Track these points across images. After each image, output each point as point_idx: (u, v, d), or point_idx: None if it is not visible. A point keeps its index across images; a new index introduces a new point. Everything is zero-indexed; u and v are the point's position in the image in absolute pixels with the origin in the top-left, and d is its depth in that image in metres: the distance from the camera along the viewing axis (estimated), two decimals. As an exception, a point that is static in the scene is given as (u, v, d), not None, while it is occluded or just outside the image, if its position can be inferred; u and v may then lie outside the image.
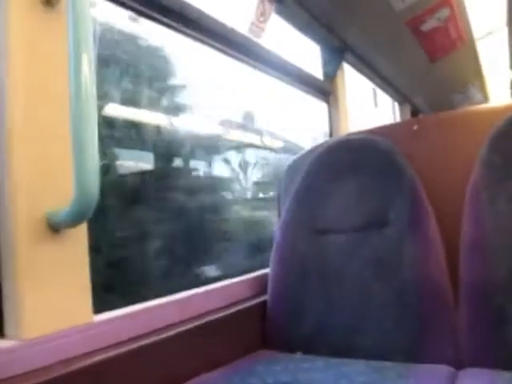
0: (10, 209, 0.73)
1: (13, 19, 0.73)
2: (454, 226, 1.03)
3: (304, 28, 1.91)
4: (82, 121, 0.69)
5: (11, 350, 0.69)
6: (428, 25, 2.20)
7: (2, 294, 0.74)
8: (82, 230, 0.81)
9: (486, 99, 3.63)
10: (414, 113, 3.49)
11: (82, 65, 0.69)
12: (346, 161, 1.21)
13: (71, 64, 0.69)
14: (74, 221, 0.74)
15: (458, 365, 0.95)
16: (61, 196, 0.76)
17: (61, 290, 0.77)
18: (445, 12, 2.21)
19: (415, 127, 1.23)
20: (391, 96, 3.26)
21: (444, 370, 0.94)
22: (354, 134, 1.38)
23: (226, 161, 2.08)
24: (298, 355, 1.08)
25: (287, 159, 1.57)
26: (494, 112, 1.14)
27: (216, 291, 1.13)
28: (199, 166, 1.96)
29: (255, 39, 1.52)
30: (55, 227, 0.75)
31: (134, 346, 0.83)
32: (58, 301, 0.76)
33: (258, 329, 1.18)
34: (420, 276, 1.03)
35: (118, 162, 1.45)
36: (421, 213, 1.08)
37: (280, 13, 1.68)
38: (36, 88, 0.76)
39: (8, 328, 0.74)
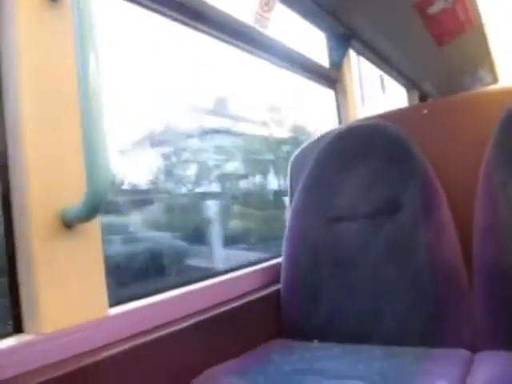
0: (24, 207, 0.74)
1: (19, 15, 0.74)
2: (467, 209, 1.02)
3: (309, 16, 1.89)
4: (92, 117, 0.69)
5: (29, 345, 0.70)
6: (435, 7, 2.16)
7: (20, 290, 0.75)
8: (96, 225, 0.82)
9: (495, 81, 3.57)
10: (423, 98, 3.45)
11: (88, 60, 0.69)
12: (356, 147, 1.20)
13: (78, 60, 0.70)
14: (86, 216, 0.75)
15: (474, 348, 0.95)
16: (73, 193, 0.77)
17: (76, 285, 0.78)
18: (452, -7, 2.17)
19: (425, 111, 1.22)
20: (399, 82, 3.22)
21: (460, 353, 0.94)
22: (362, 120, 1.37)
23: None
24: (315, 343, 1.09)
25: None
26: (505, 93, 1.12)
27: (229, 281, 1.13)
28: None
29: (260, 29, 1.51)
30: (69, 223, 0.76)
31: (150, 337, 0.84)
32: (74, 295, 0.77)
33: (273, 318, 1.19)
34: (434, 260, 1.02)
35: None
36: (433, 197, 1.07)
37: (284, 1, 1.67)
38: (46, 85, 0.76)
39: (26, 323, 0.75)
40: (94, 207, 0.72)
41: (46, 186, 0.75)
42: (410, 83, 3.23)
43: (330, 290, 1.14)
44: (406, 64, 2.78)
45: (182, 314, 0.95)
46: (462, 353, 0.94)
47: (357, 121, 1.46)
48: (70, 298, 0.77)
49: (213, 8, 1.28)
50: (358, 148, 1.19)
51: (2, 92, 0.76)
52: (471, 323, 0.97)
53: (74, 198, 0.76)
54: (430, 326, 1.00)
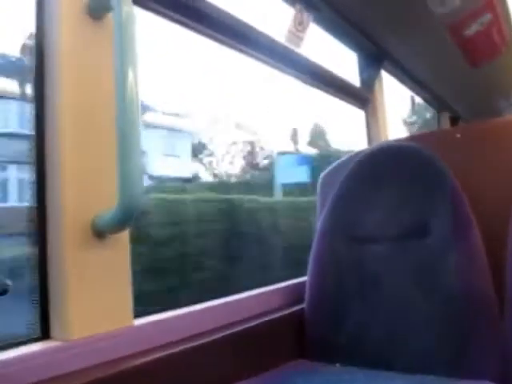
0: (58, 214, 0.76)
1: (63, 32, 0.77)
2: (499, 236, 0.99)
3: (341, 36, 1.90)
4: (127, 129, 0.71)
5: (56, 351, 0.71)
6: (470, 30, 2.14)
7: (49, 296, 0.77)
8: (125, 235, 0.83)
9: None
10: (454, 120, 3.39)
11: (127, 75, 0.71)
12: (386, 168, 1.19)
13: (117, 74, 0.72)
14: (117, 226, 0.76)
15: (503, 381, 0.91)
16: (106, 202, 0.79)
17: (103, 294, 0.79)
18: (487, 16, 2.14)
19: (458, 135, 1.20)
20: (430, 103, 3.18)
21: None
22: (393, 141, 1.36)
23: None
24: (337, 366, 1.07)
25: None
26: None
27: (253, 298, 1.13)
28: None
29: (293, 48, 1.52)
30: (99, 232, 0.78)
31: (171, 350, 0.84)
32: (101, 304, 0.78)
33: (296, 338, 1.17)
34: (464, 287, 0.99)
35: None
36: (464, 223, 1.04)
37: (317, 21, 1.68)
38: (84, 98, 0.79)
39: (53, 329, 0.76)
40: (126, 217, 0.73)
41: (79, 195, 0.77)
42: (441, 105, 3.18)
43: (355, 312, 1.12)
44: (437, 86, 2.75)
45: (204, 329, 0.95)
46: None
47: (387, 142, 1.45)
48: (97, 306, 0.78)
49: (245, 24, 1.29)
50: (389, 169, 1.18)
51: (43, 103, 0.78)
52: (501, 354, 0.94)
53: (106, 207, 0.78)
54: (457, 356, 0.97)
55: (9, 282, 0.83)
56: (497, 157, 1.12)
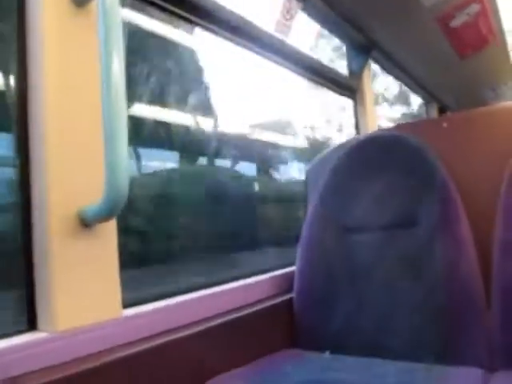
0: (44, 204, 0.74)
1: (46, 19, 0.75)
2: (487, 225, 1.00)
3: (329, 25, 1.90)
4: (113, 119, 0.70)
5: (43, 342, 0.70)
6: (457, 20, 2.14)
7: (35, 287, 0.76)
8: (112, 225, 0.82)
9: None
10: (442, 110, 3.42)
11: (112, 63, 0.70)
12: (375, 157, 1.19)
13: (102, 63, 0.71)
14: (104, 216, 0.76)
15: (491, 367, 0.93)
16: (92, 192, 0.78)
17: (91, 285, 0.78)
18: (475, 7, 2.15)
19: (445, 124, 1.21)
20: (418, 93, 3.20)
21: (476, 372, 0.91)
22: (382, 130, 1.36)
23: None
24: (326, 354, 1.08)
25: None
26: None
27: (242, 288, 1.13)
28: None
29: (280, 36, 1.51)
30: (86, 222, 0.77)
31: (161, 340, 0.84)
32: (89, 295, 0.78)
33: (285, 327, 1.18)
34: (451, 276, 1.00)
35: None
36: (452, 212, 1.05)
37: (305, 10, 1.67)
38: (69, 86, 0.78)
39: (40, 320, 0.75)
40: (113, 207, 0.72)
41: (65, 185, 0.76)
42: (429, 95, 3.20)
43: (344, 300, 1.13)
44: (426, 76, 2.76)
45: (194, 319, 0.95)
46: (478, 372, 0.91)
47: (376, 131, 1.45)
48: (85, 297, 0.77)
49: (232, 13, 1.28)
50: (377, 158, 1.18)
51: (27, 92, 0.77)
52: (488, 342, 0.95)
53: (92, 197, 0.77)
54: (445, 344, 0.98)
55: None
56: (484, 145, 1.12)
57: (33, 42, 0.77)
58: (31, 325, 0.75)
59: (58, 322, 0.73)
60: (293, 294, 1.21)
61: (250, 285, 1.16)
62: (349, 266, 1.14)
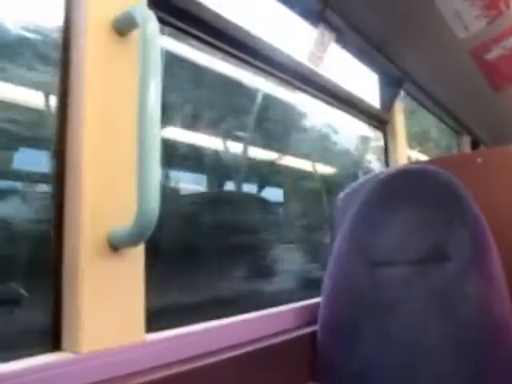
0: (75, 227, 0.76)
1: (90, 48, 0.78)
2: None
3: (362, 56, 1.91)
4: (147, 145, 0.71)
5: (66, 363, 0.71)
6: (493, 54, 2.13)
7: (62, 307, 0.77)
8: (140, 249, 0.83)
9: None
10: (475, 144, 3.35)
11: (150, 91, 0.72)
12: (404, 191, 1.17)
13: (140, 89, 0.73)
14: (133, 240, 0.76)
15: None
16: (122, 216, 0.79)
17: (116, 308, 0.79)
18: (511, 41, 2.13)
19: (479, 159, 1.18)
20: (450, 127, 3.16)
21: None
22: (412, 164, 1.34)
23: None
24: None
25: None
26: None
27: (265, 318, 1.11)
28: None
29: (313, 67, 1.53)
30: (115, 246, 0.78)
31: (182, 368, 0.83)
32: (113, 318, 0.78)
33: (307, 360, 1.15)
34: (482, 314, 0.97)
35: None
36: (484, 249, 1.02)
37: (338, 41, 1.69)
38: (107, 112, 0.80)
39: (65, 341, 0.76)
40: (143, 232, 0.73)
41: (97, 209, 0.77)
42: (461, 129, 3.15)
43: (369, 336, 1.09)
44: (459, 109, 2.73)
45: (217, 347, 0.94)
46: None
47: (406, 164, 1.43)
48: (110, 320, 0.77)
49: (266, 44, 1.31)
50: (407, 192, 1.16)
51: (66, 116, 0.80)
52: None
53: (122, 221, 0.78)
54: None
55: (22, 292, 0.84)
56: None
57: (76, 70, 0.80)
58: (56, 345, 0.76)
59: (82, 343, 0.74)
60: (317, 327, 1.18)
61: (273, 314, 1.14)
62: (375, 301, 1.11)
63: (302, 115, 2.26)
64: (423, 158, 3.24)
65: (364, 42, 1.76)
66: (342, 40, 1.69)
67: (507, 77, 2.39)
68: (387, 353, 1.06)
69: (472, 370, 0.94)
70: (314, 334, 1.17)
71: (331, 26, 1.57)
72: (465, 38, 1.95)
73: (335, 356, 1.13)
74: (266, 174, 2.11)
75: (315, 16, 1.53)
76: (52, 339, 0.77)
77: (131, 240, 0.76)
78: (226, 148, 1.86)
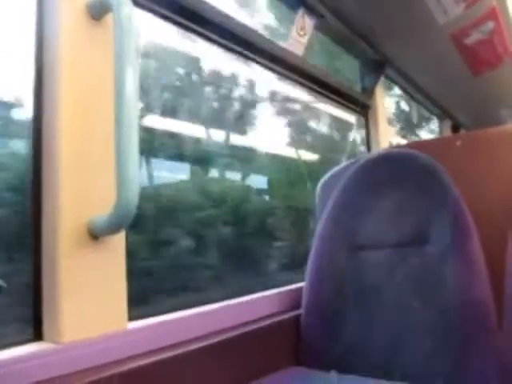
0: (53, 215, 0.75)
1: (63, 31, 0.76)
2: (500, 247, 0.99)
3: (343, 42, 1.90)
4: (125, 131, 0.70)
5: (47, 353, 0.70)
6: (472, 38, 2.14)
7: (42, 297, 0.76)
8: (121, 237, 0.82)
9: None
10: (455, 128, 3.39)
11: (126, 76, 0.71)
12: (386, 175, 1.18)
13: (116, 75, 0.72)
14: (113, 228, 0.76)
15: None
16: (101, 204, 0.78)
17: (97, 296, 0.78)
18: (490, 25, 2.14)
19: (458, 143, 1.20)
20: (431, 111, 3.18)
21: None
22: (393, 148, 1.35)
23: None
24: (332, 374, 1.06)
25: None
26: None
27: (249, 303, 1.12)
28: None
29: (295, 52, 1.52)
30: (95, 234, 0.77)
31: (164, 355, 0.83)
32: (95, 307, 0.78)
33: (291, 344, 1.16)
34: (462, 297, 0.98)
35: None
36: (464, 232, 1.03)
37: (319, 27, 1.68)
38: (83, 98, 0.78)
39: (46, 331, 0.75)
40: (122, 220, 0.72)
41: (76, 197, 0.76)
42: (442, 113, 3.18)
43: (353, 319, 1.11)
44: (439, 93, 2.75)
45: (199, 334, 0.94)
46: None
47: (387, 148, 1.44)
48: (91, 309, 0.77)
49: (246, 28, 1.29)
50: (388, 176, 1.17)
51: (41, 103, 0.78)
52: (499, 365, 0.92)
53: (102, 209, 0.77)
54: (455, 366, 0.96)
55: (2, 283, 0.83)
56: (498, 165, 1.11)
57: (49, 54, 0.78)
58: (37, 335, 0.75)
59: (63, 332, 0.73)
60: (300, 311, 1.19)
61: (256, 300, 1.15)
62: (358, 284, 1.13)
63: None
64: (405, 142, 3.27)
65: (345, 28, 1.75)
66: (322, 25, 1.68)
67: (486, 61, 2.41)
68: (371, 335, 1.07)
69: (453, 351, 0.96)
70: (297, 318, 1.18)
71: (311, 11, 1.55)
72: (444, 22, 1.96)
73: (319, 339, 1.14)
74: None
75: (295, 0, 1.52)
76: (33, 329, 0.76)
77: (111, 228, 0.75)
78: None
